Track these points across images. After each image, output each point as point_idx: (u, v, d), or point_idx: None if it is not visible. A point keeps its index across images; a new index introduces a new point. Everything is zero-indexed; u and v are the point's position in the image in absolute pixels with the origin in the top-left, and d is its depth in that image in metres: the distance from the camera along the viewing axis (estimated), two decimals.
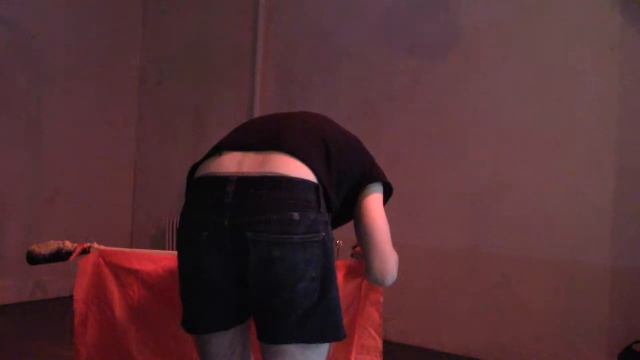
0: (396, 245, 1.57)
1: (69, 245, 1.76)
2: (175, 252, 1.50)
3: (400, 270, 1.58)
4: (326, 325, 1.39)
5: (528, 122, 3.35)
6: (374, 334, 1.79)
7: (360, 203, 1.54)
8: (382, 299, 1.78)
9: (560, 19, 3.28)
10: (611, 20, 3.13)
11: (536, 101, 3.33)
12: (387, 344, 1.86)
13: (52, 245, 1.74)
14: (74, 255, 1.76)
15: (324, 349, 1.43)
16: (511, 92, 3.41)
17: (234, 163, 1.42)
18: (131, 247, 4.77)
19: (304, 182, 1.37)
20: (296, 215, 1.33)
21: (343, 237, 1.82)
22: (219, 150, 1.49)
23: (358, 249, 1.69)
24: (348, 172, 1.51)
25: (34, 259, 1.73)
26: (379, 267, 1.53)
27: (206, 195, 1.41)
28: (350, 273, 1.72)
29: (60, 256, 1.75)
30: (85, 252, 1.78)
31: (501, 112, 3.44)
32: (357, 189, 1.55)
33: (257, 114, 4.34)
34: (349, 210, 1.57)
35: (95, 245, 1.80)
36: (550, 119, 3.28)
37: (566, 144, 3.24)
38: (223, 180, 1.39)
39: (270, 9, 4.41)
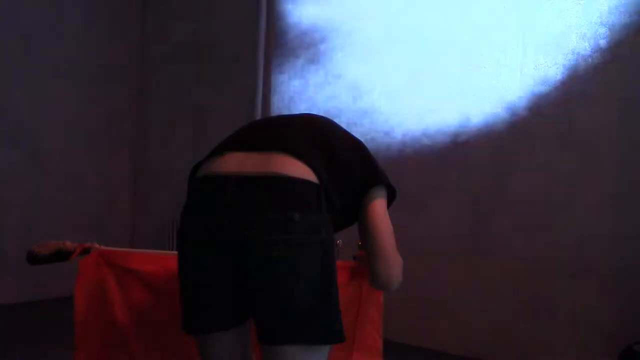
0: (396, 245, 1.57)
1: (69, 245, 1.75)
2: (176, 252, 1.50)
3: None
4: (326, 326, 1.38)
5: (528, 122, 3.35)
6: (374, 334, 1.79)
7: (364, 207, 1.53)
8: (382, 299, 1.78)
9: (559, 19, 3.28)
10: (612, 20, 3.13)
11: (536, 100, 3.33)
12: (387, 344, 1.86)
13: (52, 245, 1.74)
14: (74, 255, 1.76)
15: (324, 350, 1.42)
16: (511, 92, 3.41)
17: (234, 163, 1.42)
18: (131, 247, 4.76)
19: (305, 183, 1.36)
20: (296, 216, 1.32)
21: (343, 236, 1.82)
22: (220, 150, 1.49)
23: (361, 252, 1.68)
24: (350, 174, 1.50)
25: (34, 259, 1.73)
26: (383, 273, 1.52)
27: (206, 194, 1.41)
28: (351, 273, 1.72)
29: (60, 256, 1.74)
30: (85, 252, 1.77)
31: (501, 111, 3.44)
32: (360, 193, 1.53)
33: (258, 113, 4.34)
34: (352, 213, 1.56)
35: (96, 245, 1.79)
36: (550, 119, 3.28)
37: (566, 144, 3.24)
38: (223, 180, 1.39)
39: (271, 9, 4.41)
